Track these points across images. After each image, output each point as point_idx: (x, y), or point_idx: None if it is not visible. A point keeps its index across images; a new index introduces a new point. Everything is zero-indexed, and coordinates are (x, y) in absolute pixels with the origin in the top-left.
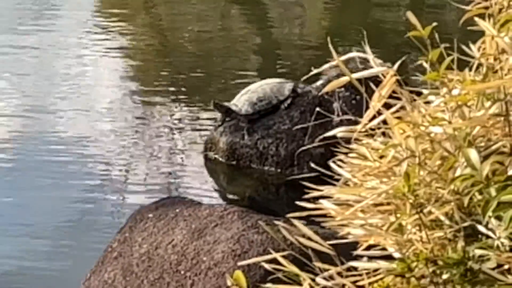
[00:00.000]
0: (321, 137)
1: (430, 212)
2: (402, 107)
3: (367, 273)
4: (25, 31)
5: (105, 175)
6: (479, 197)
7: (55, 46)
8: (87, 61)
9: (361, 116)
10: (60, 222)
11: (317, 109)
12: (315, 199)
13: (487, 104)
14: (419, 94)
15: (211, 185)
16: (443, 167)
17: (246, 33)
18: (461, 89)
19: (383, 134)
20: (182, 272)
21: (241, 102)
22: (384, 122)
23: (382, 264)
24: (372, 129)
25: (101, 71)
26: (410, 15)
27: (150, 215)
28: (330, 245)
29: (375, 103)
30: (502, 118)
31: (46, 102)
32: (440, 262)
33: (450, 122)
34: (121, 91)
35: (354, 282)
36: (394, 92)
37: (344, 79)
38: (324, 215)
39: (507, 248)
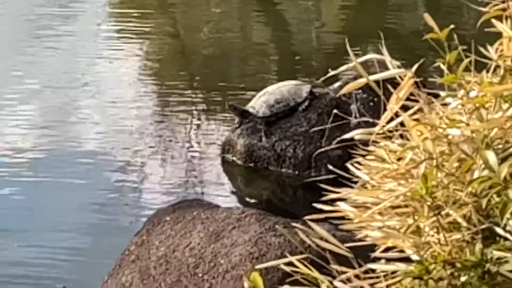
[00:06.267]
0: (338, 139)
1: (448, 214)
2: (420, 109)
3: (385, 276)
4: (40, 36)
5: (122, 177)
6: (497, 199)
7: (70, 49)
8: (103, 64)
9: (378, 118)
10: (76, 225)
11: (335, 111)
12: (332, 201)
13: (505, 106)
14: (436, 96)
15: (229, 188)
16: (461, 169)
17: (263, 36)
18: (479, 91)
19: (401, 136)
20: (200, 275)
21: (258, 104)
22: (402, 124)
23: (400, 266)
24: (390, 131)
25: (117, 74)
26: (428, 17)
27: (168, 218)
28: (348, 247)
29: (393, 105)
30: None
31: (63, 104)
32: (458, 265)
33: (467, 124)
34: (138, 94)
35: (372, 285)
36: (411, 94)
37: (361, 81)
38: (342, 218)
39: None
